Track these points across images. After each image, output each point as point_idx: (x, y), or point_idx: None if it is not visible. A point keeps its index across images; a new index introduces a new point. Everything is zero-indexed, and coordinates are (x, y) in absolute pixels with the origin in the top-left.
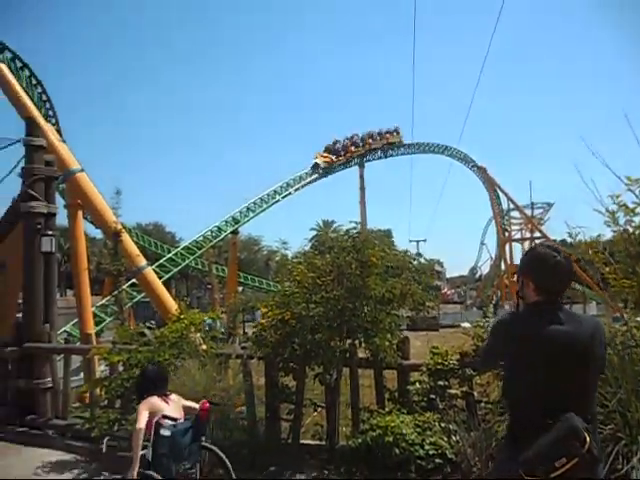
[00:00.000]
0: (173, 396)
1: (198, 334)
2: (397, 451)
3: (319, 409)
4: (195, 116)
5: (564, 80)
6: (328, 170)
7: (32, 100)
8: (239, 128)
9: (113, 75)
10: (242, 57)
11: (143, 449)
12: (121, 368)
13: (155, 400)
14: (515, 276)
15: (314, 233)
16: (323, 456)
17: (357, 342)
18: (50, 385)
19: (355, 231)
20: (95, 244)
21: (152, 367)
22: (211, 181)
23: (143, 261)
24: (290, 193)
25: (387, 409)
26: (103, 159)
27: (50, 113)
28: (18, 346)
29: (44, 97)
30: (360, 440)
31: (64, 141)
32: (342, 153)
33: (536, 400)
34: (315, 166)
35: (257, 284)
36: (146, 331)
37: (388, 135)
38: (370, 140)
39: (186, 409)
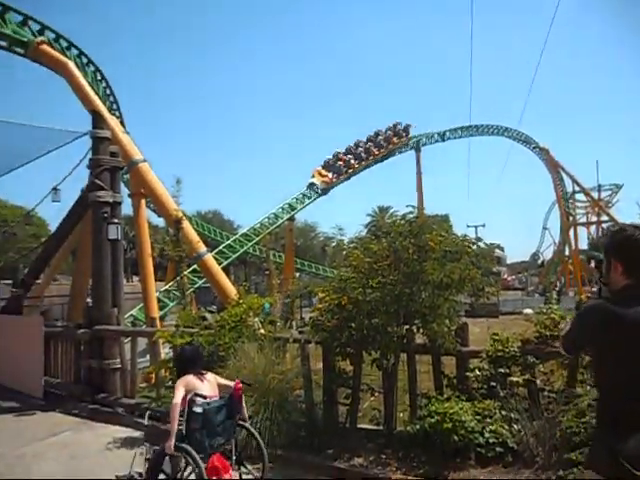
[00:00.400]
0: (209, 375)
1: (256, 318)
2: (456, 438)
3: (376, 394)
4: (251, 103)
5: (634, 51)
6: (326, 190)
7: (97, 94)
8: (296, 114)
9: (172, 64)
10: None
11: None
12: None
13: (190, 378)
14: (592, 262)
15: (370, 219)
16: (380, 441)
17: (414, 328)
18: (119, 365)
19: (412, 215)
20: (158, 232)
21: (189, 347)
22: (268, 168)
23: (203, 248)
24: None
25: (445, 395)
26: (164, 149)
27: (114, 106)
28: (89, 328)
29: (108, 91)
30: (418, 426)
31: (127, 132)
32: (344, 170)
33: (633, 388)
34: (311, 185)
35: (313, 270)
36: (207, 315)
37: (395, 140)
38: (375, 150)
39: (222, 388)
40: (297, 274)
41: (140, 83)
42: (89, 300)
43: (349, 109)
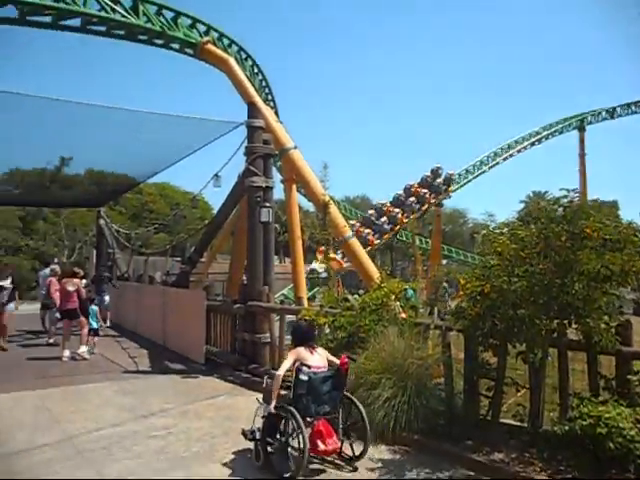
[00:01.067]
0: (319, 349)
1: (398, 302)
2: (611, 445)
3: (522, 389)
4: (396, 91)
5: None
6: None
7: (254, 87)
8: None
9: (322, 56)
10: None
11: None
12: (327, 329)
13: (301, 350)
14: None
15: (523, 205)
16: (524, 438)
17: (566, 322)
18: (268, 340)
19: (566, 200)
20: (308, 216)
21: (304, 323)
22: (412, 151)
23: (349, 232)
24: (496, 163)
25: (601, 398)
26: (315, 136)
27: (269, 97)
28: (243, 304)
29: (264, 83)
30: (567, 427)
31: (281, 122)
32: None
33: None
34: (312, 272)
35: (462, 257)
36: (349, 297)
37: (432, 199)
38: (404, 218)
39: (330, 362)
40: (444, 261)
41: (296, 73)
42: (244, 278)
43: (508, 93)
